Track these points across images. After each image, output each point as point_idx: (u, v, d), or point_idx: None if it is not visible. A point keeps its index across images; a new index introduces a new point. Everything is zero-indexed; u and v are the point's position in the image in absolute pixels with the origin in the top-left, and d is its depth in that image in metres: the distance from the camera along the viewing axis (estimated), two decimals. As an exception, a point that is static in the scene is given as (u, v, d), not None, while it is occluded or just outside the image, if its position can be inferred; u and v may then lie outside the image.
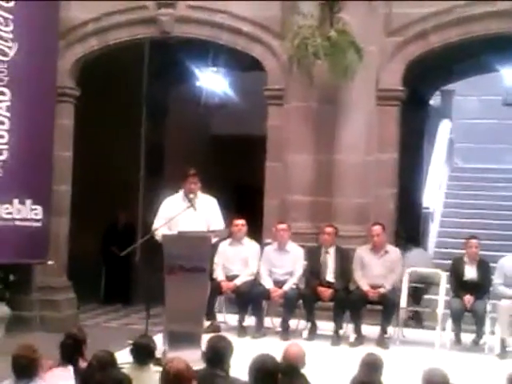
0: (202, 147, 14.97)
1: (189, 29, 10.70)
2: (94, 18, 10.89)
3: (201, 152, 14.51)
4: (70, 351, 5.75)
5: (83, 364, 5.62)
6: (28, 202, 10.21)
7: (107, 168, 12.48)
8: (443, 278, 9.09)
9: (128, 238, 11.68)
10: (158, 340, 7.53)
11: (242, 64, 12.05)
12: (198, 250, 7.49)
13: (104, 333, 8.99)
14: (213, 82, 13.63)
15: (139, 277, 12.10)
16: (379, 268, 8.94)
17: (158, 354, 6.85)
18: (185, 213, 8.00)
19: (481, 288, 8.79)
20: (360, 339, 8.70)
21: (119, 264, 12.02)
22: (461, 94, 16.86)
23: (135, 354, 5.80)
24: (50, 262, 10.50)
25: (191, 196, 8.19)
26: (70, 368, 5.58)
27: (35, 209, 10.27)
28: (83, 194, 11.41)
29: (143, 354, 5.78)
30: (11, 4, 10.14)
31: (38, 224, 10.32)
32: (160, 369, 4.99)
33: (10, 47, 10.12)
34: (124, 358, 6.08)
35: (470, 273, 8.89)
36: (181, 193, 8.31)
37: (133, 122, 13.32)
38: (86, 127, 11.37)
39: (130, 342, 6.03)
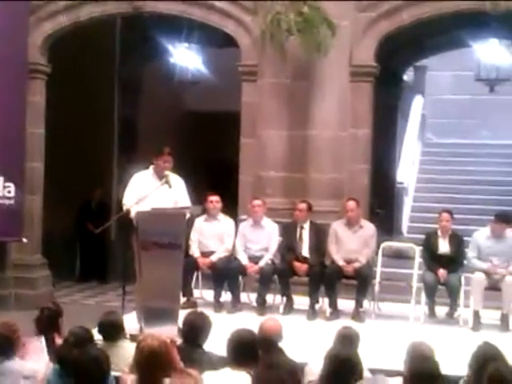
0: (176, 124, 14.90)
1: (161, 4, 10.61)
2: (65, -7, 10.78)
3: (174, 128, 14.45)
4: (45, 325, 5.74)
5: (59, 340, 5.61)
6: (1, 179, 10.12)
7: (80, 145, 12.39)
8: (417, 252, 9.17)
9: (102, 215, 11.64)
10: (133, 317, 7.57)
11: (216, 40, 11.99)
12: (172, 227, 7.47)
13: (80, 310, 8.97)
14: (186, 58, 13.54)
15: (114, 254, 12.08)
16: (354, 243, 9.00)
17: (134, 331, 6.89)
18: (156, 190, 7.97)
19: (454, 261, 8.88)
20: (336, 313, 8.77)
21: (94, 241, 11.98)
22: (434, 69, 16.88)
23: (103, 332, 5.79)
24: (24, 240, 10.45)
25: (165, 173, 8.14)
26: (42, 340, 5.57)
27: (8, 186, 10.18)
28: (57, 171, 11.33)
29: (111, 330, 5.77)
30: (-21, -20, 9.99)
31: (11, 202, 10.23)
32: (134, 345, 5.00)
33: (-21, 24, 9.99)
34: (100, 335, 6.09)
35: (443, 247, 8.97)
36: (150, 169, 8.22)
37: (106, 99, 13.23)
38: (58, 104, 11.27)
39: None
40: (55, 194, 11.40)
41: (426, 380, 4.29)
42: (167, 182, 8.01)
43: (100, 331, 5.82)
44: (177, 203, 8.08)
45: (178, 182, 8.24)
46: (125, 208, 7.94)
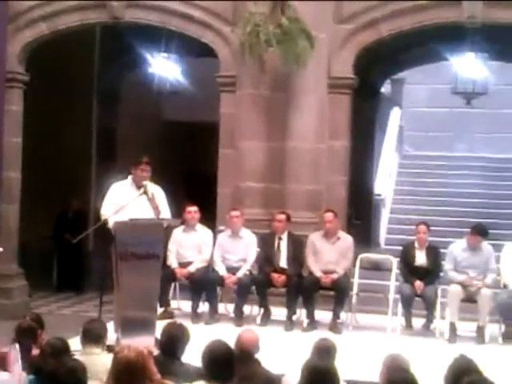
0: (155, 133, 14.89)
1: (140, 14, 10.62)
2: (43, 2, 10.73)
3: (153, 138, 14.43)
4: (25, 334, 5.69)
5: (36, 351, 5.57)
6: (-23, 188, 10.07)
7: (58, 154, 12.35)
8: (394, 263, 9.21)
9: (80, 224, 11.57)
10: (110, 327, 7.53)
11: (194, 50, 12.02)
12: (150, 237, 7.45)
13: (56, 320, 8.91)
14: (165, 68, 13.53)
15: (92, 264, 12.02)
16: (332, 254, 9.03)
17: (111, 341, 6.85)
18: (135, 200, 7.93)
19: (431, 273, 8.93)
20: (313, 324, 8.79)
21: (71, 251, 11.92)
22: (411, 82, 17.02)
23: (84, 338, 5.76)
24: (0, 249, 10.36)
25: (144, 183, 8.09)
26: (17, 348, 5.51)
27: (-16, 196, 10.13)
28: (34, 180, 11.26)
29: (92, 337, 5.73)
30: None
31: (-12, 211, 10.18)
32: (111, 356, 4.98)
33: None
34: (77, 345, 6.05)
35: (420, 258, 9.03)
36: (129, 179, 8.14)
37: (84, 108, 13.19)
38: (36, 113, 11.23)
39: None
40: (32, 204, 11.33)
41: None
42: (146, 192, 7.98)
43: (82, 337, 5.77)
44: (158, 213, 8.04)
45: (157, 192, 8.20)
46: (103, 218, 7.90)
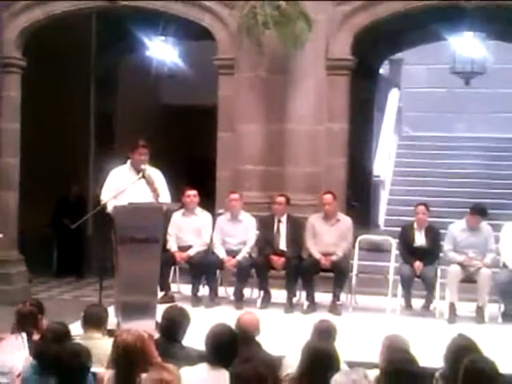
0: (153, 118, 14.86)
1: (137, -3, 10.58)
2: (39, -13, 10.71)
3: (151, 122, 14.40)
4: (26, 320, 5.71)
5: (37, 336, 5.59)
6: (-25, 175, 10.07)
7: (56, 140, 12.33)
8: (393, 244, 9.23)
9: (79, 210, 11.56)
10: (111, 312, 7.54)
11: (192, 33, 11.96)
12: (149, 221, 7.44)
13: (57, 305, 8.93)
14: (162, 51, 13.48)
15: (92, 249, 12.04)
16: (331, 236, 9.04)
17: (112, 325, 6.87)
18: (134, 184, 7.92)
19: (430, 254, 8.94)
20: (313, 306, 8.81)
21: (71, 237, 11.93)
22: (409, 62, 16.96)
23: (85, 323, 5.78)
24: (0, 235, 10.38)
25: (142, 167, 8.07)
26: (24, 336, 5.55)
27: (-17, 182, 10.13)
28: (32, 166, 11.27)
29: (93, 322, 5.76)
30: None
31: (-13, 197, 10.18)
32: (112, 340, 5.00)
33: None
34: (77, 330, 6.07)
35: (420, 239, 9.03)
36: (128, 164, 8.10)
37: (82, 93, 13.17)
38: (33, 98, 11.19)
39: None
40: (31, 190, 11.34)
41: (402, 372, 4.31)
42: (144, 177, 7.96)
43: (83, 321, 5.80)
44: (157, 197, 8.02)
45: (157, 176, 8.18)
46: (102, 203, 7.89)
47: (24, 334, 5.56)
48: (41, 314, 5.87)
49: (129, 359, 4.60)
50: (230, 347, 4.86)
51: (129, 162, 8.09)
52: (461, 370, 4.29)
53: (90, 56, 13.35)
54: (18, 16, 10.81)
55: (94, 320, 5.78)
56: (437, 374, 5.00)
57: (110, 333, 5.90)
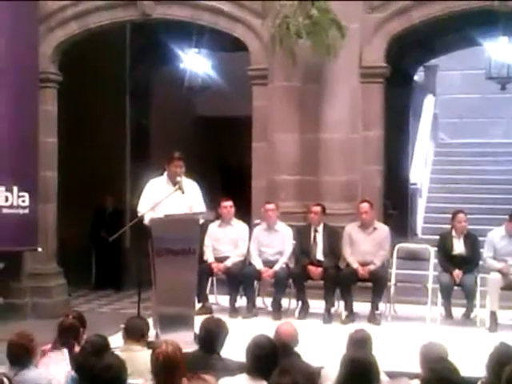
0: (188, 129, 14.92)
1: (169, 10, 10.63)
2: (74, 2, 10.81)
3: (186, 134, 14.46)
4: (68, 332, 5.74)
5: (77, 349, 5.62)
6: (15, 189, 10.17)
7: (93, 153, 12.42)
8: (432, 253, 9.14)
9: (116, 222, 11.63)
10: (150, 324, 7.56)
11: (225, 44, 12.00)
12: (185, 233, 7.49)
13: (96, 318, 8.94)
14: (196, 63, 13.55)
15: (130, 261, 12.09)
16: (368, 245, 8.98)
17: (151, 337, 6.88)
18: (170, 196, 7.97)
19: (469, 262, 8.84)
20: (351, 316, 8.75)
21: (109, 249, 11.99)
22: (444, 68, 16.86)
23: (127, 335, 5.80)
24: (39, 249, 10.49)
25: (178, 179, 8.12)
26: (65, 351, 5.58)
27: (22, 196, 10.23)
28: (70, 179, 11.37)
29: (135, 334, 5.78)
30: (-11, -8, 10.04)
31: (26, 211, 10.28)
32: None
33: (-10, 36, 10.04)
34: (117, 342, 6.09)
35: (458, 247, 8.94)
36: (165, 176, 8.19)
37: (117, 106, 13.25)
38: (69, 112, 11.31)
39: (123, 325, 6.04)
40: (69, 203, 11.44)
41: (444, 381, 4.26)
42: (180, 188, 8.01)
43: (124, 333, 5.82)
44: (191, 209, 8.07)
45: (192, 187, 8.22)
46: (139, 215, 7.94)
47: (65, 349, 5.59)
48: (82, 327, 5.91)
49: (169, 370, 4.61)
50: (270, 358, 4.84)
51: (165, 173, 8.16)
52: (503, 379, 4.23)
53: (125, 69, 13.44)
54: (53, 30, 10.93)
55: (135, 332, 5.80)
56: (479, 383, 4.93)
57: (150, 345, 5.92)
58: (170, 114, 14.23)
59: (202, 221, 8.22)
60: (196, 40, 11.97)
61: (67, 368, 5.32)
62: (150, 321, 7.50)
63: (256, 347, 4.92)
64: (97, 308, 11.42)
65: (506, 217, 8.85)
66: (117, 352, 5.48)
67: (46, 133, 10.88)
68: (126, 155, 13.66)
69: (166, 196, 7.86)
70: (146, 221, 7.73)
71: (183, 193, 7.97)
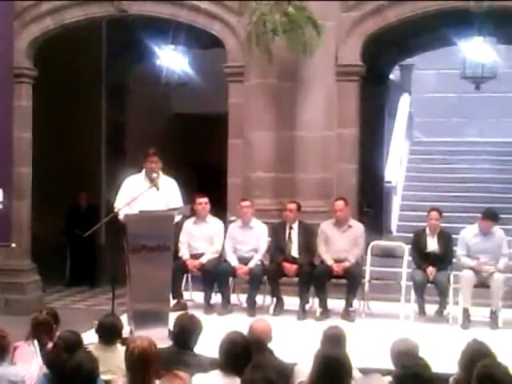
0: (164, 126, 14.90)
1: (146, 7, 10.61)
2: (49, -3, 10.76)
3: (162, 131, 14.44)
4: (40, 328, 5.73)
5: (50, 345, 5.60)
6: (-12, 185, 10.11)
7: (68, 149, 12.37)
8: (406, 250, 9.20)
9: (91, 218, 11.56)
10: (125, 320, 7.55)
11: (202, 42, 11.99)
12: (160, 229, 7.49)
13: (70, 314, 8.89)
14: (173, 60, 13.52)
15: (104, 258, 12.06)
16: (343, 242, 9.02)
17: (125, 333, 6.88)
18: (146, 192, 7.97)
19: (443, 259, 8.91)
20: (326, 313, 8.79)
21: (84, 245, 11.96)
22: (420, 68, 16.95)
23: (101, 334, 5.80)
24: (12, 245, 10.42)
25: (154, 175, 8.14)
26: (37, 347, 5.57)
27: (-4, 192, 10.17)
28: (44, 175, 11.31)
29: (109, 333, 5.78)
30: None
31: (0, 207, 10.21)
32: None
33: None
34: (90, 339, 6.09)
35: (432, 245, 9.01)
36: (143, 172, 8.27)
37: (93, 102, 13.19)
38: (45, 108, 11.24)
39: (96, 322, 6.03)
40: (44, 199, 11.38)
41: (416, 377, 4.29)
42: (155, 185, 8.02)
43: (98, 332, 5.82)
44: (168, 205, 8.08)
45: (169, 184, 8.26)
46: (115, 211, 7.94)
47: (36, 342, 5.57)
48: (56, 324, 5.89)
49: (144, 364, 4.63)
50: (242, 355, 4.86)
51: (143, 170, 8.19)
52: (474, 375, 4.27)
53: (101, 65, 13.39)
54: (28, 26, 10.86)
55: (109, 329, 5.80)
56: (451, 379, 4.99)
57: (124, 341, 5.92)
58: (147, 110, 14.20)
59: (179, 217, 8.24)
60: (172, 37, 11.95)
61: (40, 364, 5.31)
62: (125, 317, 7.52)
63: (229, 344, 4.94)
64: (71, 304, 11.37)
65: (480, 215, 8.94)
66: (90, 349, 5.49)
67: (21, 128, 10.81)
68: (102, 151, 13.60)
69: (141, 192, 7.87)
70: (121, 217, 7.73)
71: (158, 189, 8.00)
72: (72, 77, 12.18)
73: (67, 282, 12.81)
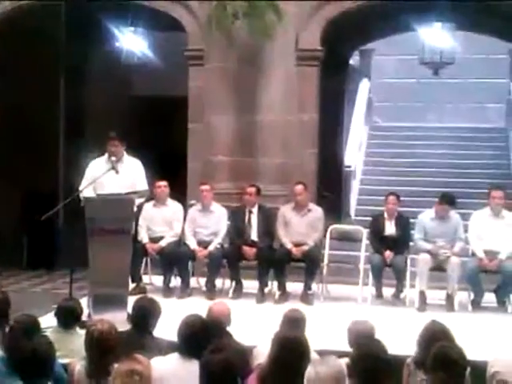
0: (123, 108, 14.76)
1: (107, -12, 10.53)
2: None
3: (122, 113, 14.31)
4: None
5: (6, 328, 5.56)
6: None
7: (25, 131, 12.22)
8: (364, 234, 9.28)
9: (50, 203, 11.46)
10: (83, 303, 7.52)
11: (162, 24, 11.92)
12: (119, 213, 7.45)
13: (28, 298, 8.89)
14: (132, 42, 13.42)
15: (63, 241, 11.97)
16: (302, 226, 9.07)
17: (84, 317, 6.85)
18: (109, 176, 7.96)
19: (400, 243, 9.02)
20: (285, 296, 8.85)
21: (42, 228, 11.85)
22: (379, 53, 17.02)
23: (60, 317, 5.77)
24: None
25: (113, 159, 8.14)
26: None
27: (-49, 175, 10.03)
28: (1, 158, 11.17)
29: (68, 316, 5.75)
30: None
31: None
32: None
33: None
34: (49, 322, 6.06)
35: (390, 229, 9.11)
36: (106, 155, 8.29)
37: (51, 84, 13.04)
38: (2, 89, 11.09)
39: (55, 306, 6.00)
40: (1, 184, 11.24)
41: (373, 358, 4.35)
42: (114, 168, 8.00)
43: (56, 315, 5.79)
44: (134, 187, 8.07)
45: (135, 165, 8.30)
46: (76, 193, 7.92)
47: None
48: (8, 306, 5.83)
49: (104, 347, 4.64)
50: (201, 338, 4.88)
51: (106, 153, 8.20)
52: (429, 356, 4.35)
53: (60, 46, 13.23)
54: (-15, 7, 10.71)
55: (68, 313, 5.77)
56: (409, 360, 5.06)
57: (83, 324, 5.90)
58: (106, 92, 14.06)
59: (142, 199, 8.26)
60: (132, 19, 11.86)
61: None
62: (84, 301, 7.49)
63: (187, 327, 4.97)
64: (28, 288, 11.27)
65: (437, 199, 9.04)
66: (49, 332, 5.47)
67: (-22, 110, 10.68)
68: (60, 134, 13.46)
69: (98, 176, 7.85)
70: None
71: (117, 173, 7.98)
72: (30, 58, 12.02)
73: (25, 266, 12.69)
